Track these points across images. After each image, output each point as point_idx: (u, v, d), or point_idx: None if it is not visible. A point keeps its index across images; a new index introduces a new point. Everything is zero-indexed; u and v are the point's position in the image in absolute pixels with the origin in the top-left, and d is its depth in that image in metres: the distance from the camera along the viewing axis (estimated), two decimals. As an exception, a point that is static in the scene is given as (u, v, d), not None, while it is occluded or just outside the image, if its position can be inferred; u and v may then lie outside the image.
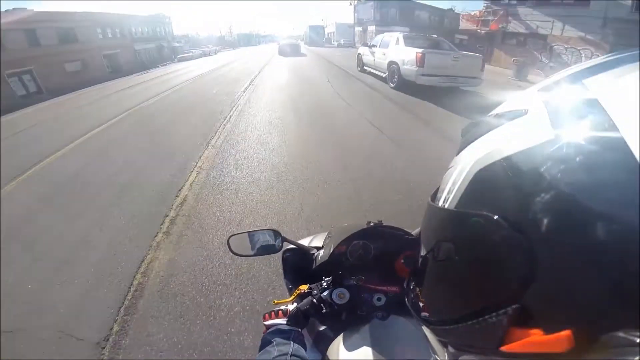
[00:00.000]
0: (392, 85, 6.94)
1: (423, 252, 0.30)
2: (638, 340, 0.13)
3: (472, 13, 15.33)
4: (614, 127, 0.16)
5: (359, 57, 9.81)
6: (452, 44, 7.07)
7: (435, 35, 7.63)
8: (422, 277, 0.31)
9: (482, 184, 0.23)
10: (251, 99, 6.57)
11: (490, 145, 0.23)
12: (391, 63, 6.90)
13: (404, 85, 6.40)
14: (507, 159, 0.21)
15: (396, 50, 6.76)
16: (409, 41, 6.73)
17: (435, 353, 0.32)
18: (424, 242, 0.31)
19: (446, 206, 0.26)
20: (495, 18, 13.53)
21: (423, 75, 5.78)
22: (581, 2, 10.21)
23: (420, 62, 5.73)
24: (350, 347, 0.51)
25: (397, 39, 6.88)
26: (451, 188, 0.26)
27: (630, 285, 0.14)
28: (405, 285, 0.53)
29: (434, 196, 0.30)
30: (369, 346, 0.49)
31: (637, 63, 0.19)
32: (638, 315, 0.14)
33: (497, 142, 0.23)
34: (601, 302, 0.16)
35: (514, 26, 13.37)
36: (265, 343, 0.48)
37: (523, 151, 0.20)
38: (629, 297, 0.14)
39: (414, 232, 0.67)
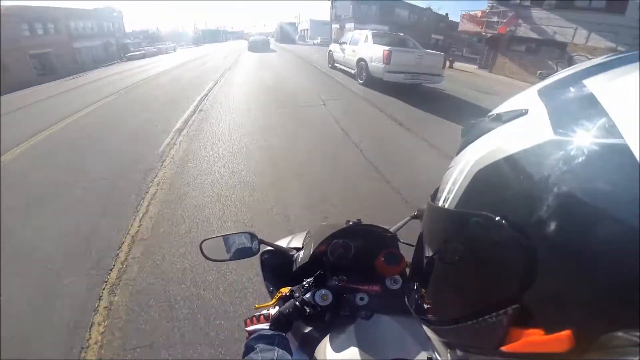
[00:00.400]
0: (360, 81, 7.76)
1: (428, 253, 0.34)
2: (638, 340, 0.15)
3: (473, 13, 15.21)
4: (614, 127, 0.19)
5: (330, 54, 10.79)
6: (416, 43, 8.07)
7: (402, 34, 8.75)
8: (422, 277, 0.35)
9: (482, 183, 0.26)
10: (190, 150, 3.86)
11: (490, 145, 0.26)
12: (360, 60, 7.73)
13: (372, 81, 7.22)
14: (507, 159, 0.24)
15: (365, 47, 7.60)
16: (377, 39, 7.63)
17: (436, 352, 0.35)
18: (425, 242, 0.35)
19: (446, 206, 0.30)
20: (505, 20, 13.07)
21: (389, 72, 6.62)
22: (615, 3, 9.71)
23: (387, 59, 6.57)
24: (337, 348, 0.57)
25: (367, 37, 7.75)
26: (451, 188, 0.30)
27: (630, 285, 0.16)
28: (398, 285, 0.64)
29: (434, 196, 0.34)
30: (355, 346, 0.55)
31: (637, 63, 0.22)
32: (638, 315, 0.15)
33: (497, 142, 0.26)
34: (601, 302, 0.18)
35: (524, 30, 12.67)
36: (248, 349, 0.52)
37: (523, 151, 0.23)
38: (629, 297, 0.16)
39: (392, 228, 0.77)
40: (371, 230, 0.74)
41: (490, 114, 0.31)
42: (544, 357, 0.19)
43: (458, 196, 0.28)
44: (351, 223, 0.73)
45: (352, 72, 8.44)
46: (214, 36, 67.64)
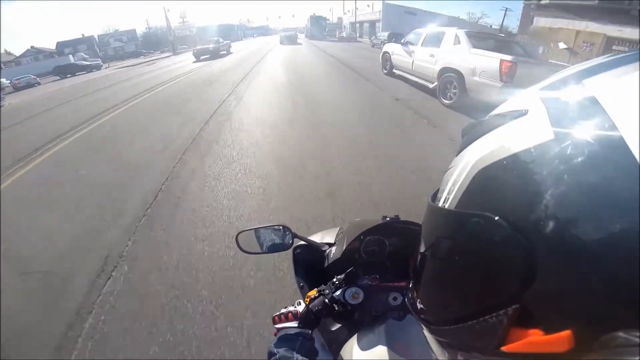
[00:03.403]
0: (446, 101, 5.42)
1: (427, 253, 0.33)
2: (638, 340, 0.15)
3: None
4: (613, 127, 0.18)
5: (386, 57, 8.50)
6: (526, 48, 5.77)
7: (503, 35, 6.31)
8: (422, 277, 0.34)
9: (482, 184, 0.26)
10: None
11: (490, 146, 0.26)
12: (446, 70, 5.44)
13: (468, 103, 4.88)
14: (507, 159, 0.24)
15: (456, 52, 5.33)
16: (475, 41, 5.32)
17: (434, 353, 0.35)
18: (424, 243, 0.34)
19: (446, 206, 0.29)
20: None
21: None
22: None
23: (508, 74, 4.22)
24: (365, 347, 0.57)
25: (456, 37, 5.45)
26: (451, 188, 0.29)
27: (630, 285, 0.15)
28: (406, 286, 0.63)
29: (434, 197, 0.33)
30: (384, 345, 0.54)
31: (637, 63, 0.21)
32: (638, 315, 0.15)
33: (497, 142, 0.26)
34: (601, 302, 0.17)
35: None
36: (269, 355, 0.53)
37: (523, 151, 0.23)
38: (629, 297, 0.16)
39: None
40: (408, 228, 0.72)
41: (490, 114, 0.32)
42: (544, 357, 0.20)
43: (458, 197, 0.28)
44: (388, 219, 0.72)
45: (430, 86, 6.06)
46: (226, 33, 54.81)
